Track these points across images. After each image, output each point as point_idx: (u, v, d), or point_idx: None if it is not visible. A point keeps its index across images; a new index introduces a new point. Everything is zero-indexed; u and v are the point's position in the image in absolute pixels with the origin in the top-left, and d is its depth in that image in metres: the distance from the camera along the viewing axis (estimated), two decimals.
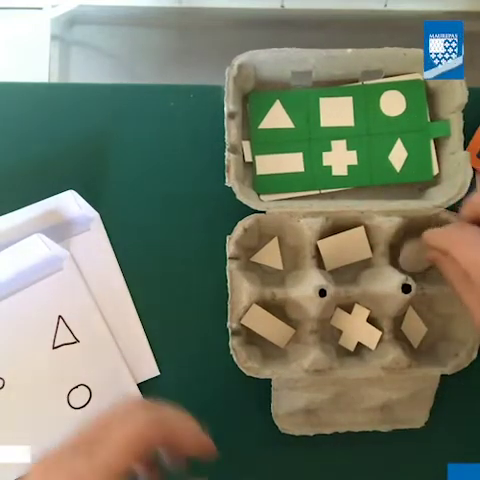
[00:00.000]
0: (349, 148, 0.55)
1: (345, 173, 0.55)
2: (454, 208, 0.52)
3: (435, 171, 0.55)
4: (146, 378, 0.54)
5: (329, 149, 0.55)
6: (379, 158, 0.55)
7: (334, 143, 0.56)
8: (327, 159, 0.55)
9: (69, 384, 0.53)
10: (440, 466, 0.52)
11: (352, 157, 0.55)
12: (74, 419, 0.52)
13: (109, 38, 1.01)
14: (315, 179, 0.55)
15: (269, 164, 0.55)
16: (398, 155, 0.55)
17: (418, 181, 0.56)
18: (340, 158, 0.55)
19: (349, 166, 0.55)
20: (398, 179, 0.55)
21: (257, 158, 0.55)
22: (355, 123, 0.56)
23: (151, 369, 0.54)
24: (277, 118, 0.56)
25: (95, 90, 0.60)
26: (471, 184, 0.51)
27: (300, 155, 0.55)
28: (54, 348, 0.53)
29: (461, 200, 0.51)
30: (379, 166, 0.55)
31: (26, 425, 0.52)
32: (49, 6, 1.00)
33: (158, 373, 0.54)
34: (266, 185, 0.55)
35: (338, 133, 0.56)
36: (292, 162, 0.55)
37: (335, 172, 0.55)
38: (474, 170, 0.52)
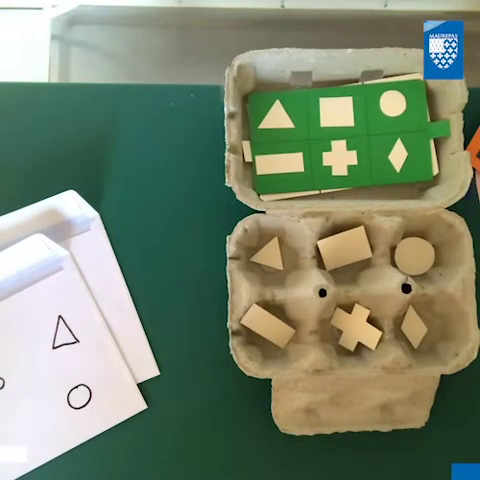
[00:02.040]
0: (349, 148, 0.55)
1: (345, 173, 0.55)
2: (454, 208, 0.52)
3: (435, 171, 0.55)
4: (146, 378, 0.54)
5: (329, 149, 0.55)
6: (379, 158, 0.55)
7: (334, 143, 0.56)
8: (327, 159, 0.55)
9: (69, 384, 0.53)
10: (440, 466, 0.52)
11: (352, 157, 0.55)
12: (74, 419, 0.52)
13: (109, 38, 1.02)
14: (315, 179, 0.55)
15: (269, 164, 0.55)
16: (398, 155, 0.55)
17: (418, 181, 0.56)
18: (340, 158, 0.55)
19: (349, 166, 0.55)
20: (398, 179, 0.55)
21: (257, 158, 0.55)
22: (355, 123, 0.56)
23: (151, 369, 0.54)
24: (277, 118, 0.56)
25: (95, 90, 0.60)
26: (471, 184, 0.51)
27: (300, 155, 0.55)
28: (54, 348, 0.53)
29: (461, 200, 0.51)
30: (379, 166, 0.55)
31: (26, 425, 0.52)
32: (49, 6, 1.01)
33: (158, 373, 0.54)
34: (266, 185, 0.55)
35: (338, 133, 0.56)
36: (292, 162, 0.55)
37: (335, 172, 0.55)
38: (474, 170, 0.52)
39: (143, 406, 0.53)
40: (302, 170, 0.55)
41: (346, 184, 0.55)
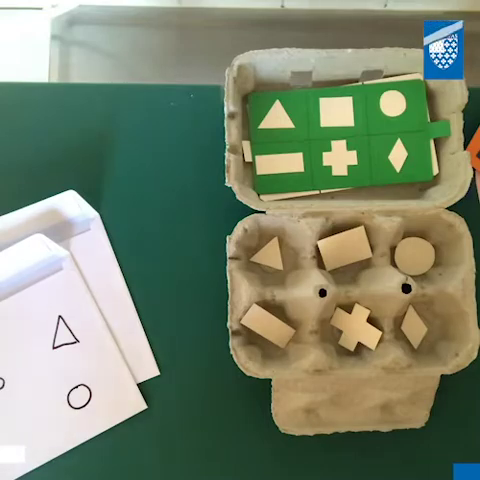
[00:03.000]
0: (349, 148, 0.55)
1: (345, 173, 0.55)
2: (454, 210, 0.52)
3: (435, 171, 0.55)
4: (146, 378, 0.54)
5: (329, 149, 0.55)
6: (379, 158, 0.55)
7: (334, 143, 0.55)
8: (327, 159, 0.55)
9: (69, 384, 0.53)
10: (440, 466, 0.52)
11: (352, 157, 0.55)
12: (74, 419, 0.52)
13: (109, 38, 1.02)
14: (315, 179, 0.55)
15: (269, 164, 0.55)
16: (398, 155, 0.55)
17: (418, 181, 0.56)
18: (340, 158, 0.55)
19: (349, 166, 0.55)
20: (398, 179, 0.55)
21: (257, 158, 0.55)
22: (355, 123, 0.56)
23: (151, 369, 0.54)
24: (277, 118, 0.55)
25: (95, 90, 0.60)
26: (471, 184, 0.51)
27: (300, 155, 0.55)
28: (54, 348, 0.53)
29: (461, 200, 0.51)
30: (379, 166, 0.55)
31: (26, 425, 0.52)
32: (49, 6, 1.01)
33: (158, 373, 0.54)
34: (266, 185, 0.55)
35: (338, 133, 0.56)
36: (292, 162, 0.55)
37: (335, 172, 0.55)
38: (474, 170, 0.52)
39: (143, 406, 0.53)
40: (302, 170, 0.55)
41: (346, 184, 0.55)
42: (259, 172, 0.55)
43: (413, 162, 0.55)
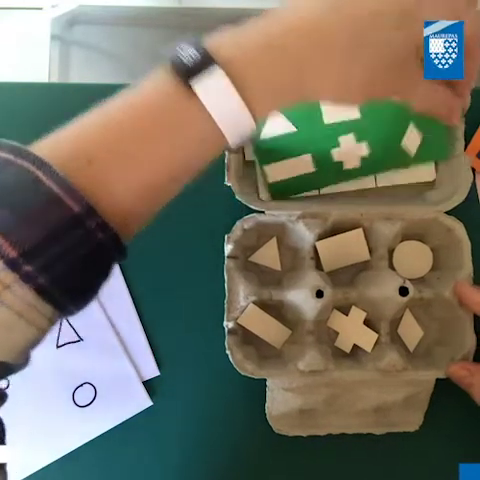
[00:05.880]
0: (358, 140, 0.53)
1: (358, 165, 0.53)
2: (454, 212, 0.52)
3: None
4: (146, 378, 0.54)
5: (337, 145, 0.53)
6: (391, 144, 0.53)
7: (341, 138, 0.53)
8: (337, 155, 0.53)
9: (74, 382, 0.53)
10: (434, 469, 0.52)
11: (363, 148, 0.53)
12: (80, 417, 0.52)
13: (109, 38, 1.02)
14: (328, 176, 0.54)
15: (279, 171, 0.53)
16: (412, 138, 0.53)
17: (435, 160, 0.54)
18: (350, 152, 0.53)
19: (362, 157, 0.53)
20: (414, 162, 0.54)
21: (266, 168, 0.53)
22: (361, 114, 0.52)
23: (151, 369, 0.54)
24: (277, 124, 0.53)
25: (95, 90, 0.59)
26: (471, 186, 0.51)
27: (308, 157, 0.53)
28: (58, 347, 0.53)
29: (461, 203, 0.51)
30: (392, 152, 0.53)
31: (32, 425, 0.52)
32: (49, 6, 1.01)
33: (158, 373, 0.54)
34: (280, 191, 0.54)
35: (344, 127, 0.53)
36: (301, 165, 0.53)
37: (347, 165, 0.53)
38: (474, 171, 0.52)
39: (148, 403, 0.53)
40: (313, 170, 0.53)
41: (361, 173, 0.54)
42: (270, 180, 0.53)
43: (428, 143, 0.53)
